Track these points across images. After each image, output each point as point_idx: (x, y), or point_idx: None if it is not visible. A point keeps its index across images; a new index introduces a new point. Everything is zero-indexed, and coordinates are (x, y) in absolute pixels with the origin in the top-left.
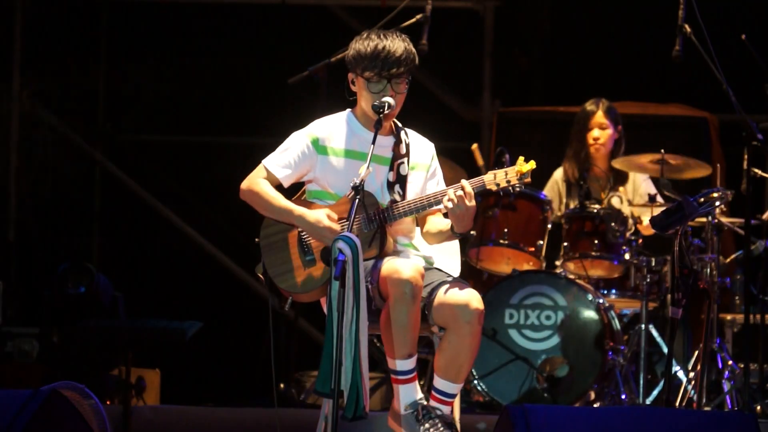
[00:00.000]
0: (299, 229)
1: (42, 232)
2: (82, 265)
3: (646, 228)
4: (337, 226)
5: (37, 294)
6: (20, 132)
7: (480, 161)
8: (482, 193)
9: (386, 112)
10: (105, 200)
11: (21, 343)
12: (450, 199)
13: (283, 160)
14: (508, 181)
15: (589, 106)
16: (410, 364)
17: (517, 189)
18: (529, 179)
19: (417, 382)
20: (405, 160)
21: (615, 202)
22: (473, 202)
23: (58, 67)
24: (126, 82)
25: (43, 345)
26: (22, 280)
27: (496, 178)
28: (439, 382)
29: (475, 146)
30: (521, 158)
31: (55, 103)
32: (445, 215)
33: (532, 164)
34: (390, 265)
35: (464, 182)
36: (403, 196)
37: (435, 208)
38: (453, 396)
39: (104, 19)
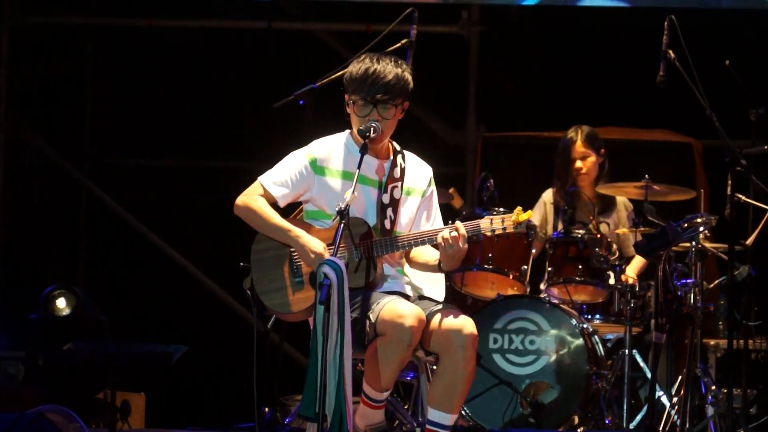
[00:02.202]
0: (291, 250)
1: (28, 255)
2: (68, 288)
3: (630, 271)
4: (326, 255)
5: (23, 317)
6: (6, 155)
7: (458, 204)
8: (468, 218)
9: (372, 136)
10: (91, 224)
11: (6, 367)
12: (444, 239)
13: (281, 178)
14: (504, 229)
15: (569, 135)
16: (385, 396)
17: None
18: (524, 229)
19: (383, 410)
20: (399, 184)
21: (603, 228)
22: (466, 245)
23: (44, 90)
24: (112, 107)
25: (29, 368)
26: (7, 303)
27: (492, 225)
28: (433, 414)
29: (452, 190)
30: (519, 208)
31: (42, 127)
32: (435, 246)
33: (529, 214)
34: (394, 309)
35: (459, 224)
36: (394, 221)
37: (424, 250)
38: (448, 428)
39: (91, 43)
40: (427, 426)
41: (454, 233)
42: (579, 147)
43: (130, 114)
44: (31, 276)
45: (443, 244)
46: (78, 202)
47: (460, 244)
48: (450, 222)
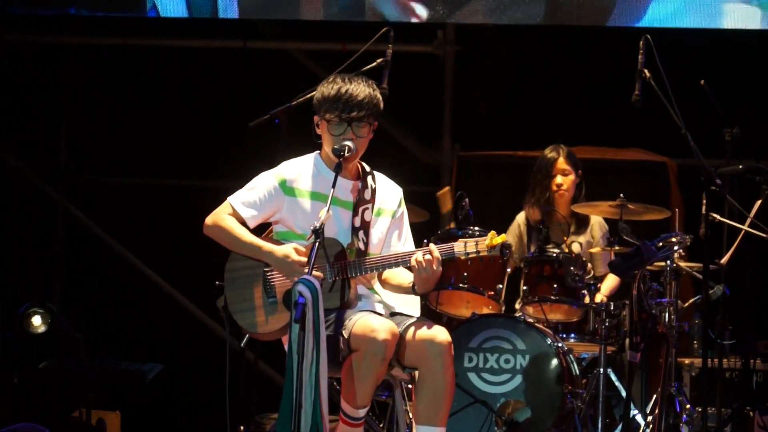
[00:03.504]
0: (265, 269)
1: (3, 273)
2: (44, 305)
3: (603, 290)
4: (305, 260)
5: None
6: None
7: (446, 208)
8: (443, 237)
9: (346, 155)
10: (67, 242)
11: None
12: (418, 262)
13: (249, 198)
14: (478, 252)
15: (550, 153)
16: (362, 412)
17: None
18: (497, 253)
19: (362, 429)
20: (370, 205)
21: (575, 247)
22: (440, 268)
23: (20, 109)
24: (88, 125)
25: (4, 386)
26: None
27: (466, 248)
28: (422, 430)
29: (447, 189)
30: (493, 232)
31: (18, 146)
32: (409, 268)
33: (503, 237)
34: (366, 323)
35: (433, 247)
36: (367, 242)
37: (398, 272)
38: None
39: (66, 62)
40: None
41: (428, 256)
42: (561, 164)
43: (106, 133)
44: (6, 294)
45: (417, 267)
46: (54, 220)
47: (434, 267)
48: (425, 243)
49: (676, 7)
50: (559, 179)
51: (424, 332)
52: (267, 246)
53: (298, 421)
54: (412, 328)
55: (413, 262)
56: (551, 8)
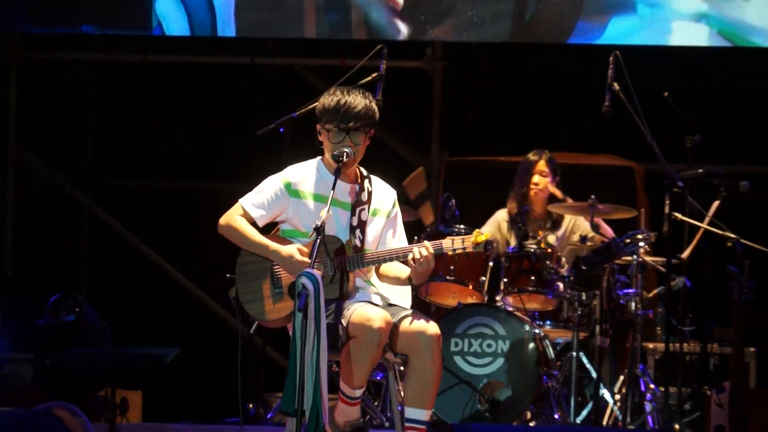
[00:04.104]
0: (272, 264)
1: (36, 269)
2: (72, 296)
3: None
4: (307, 260)
5: (32, 323)
6: (16, 179)
7: (420, 188)
8: (432, 235)
9: (345, 160)
10: (92, 239)
11: (17, 367)
12: (416, 259)
13: (258, 200)
14: (464, 248)
15: (533, 156)
16: (359, 392)
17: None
18: (481, 249)
19: (359, 406)
20: (366, 206)
21: (551, 239)
22: (434, 262)
23: (49, 120)
24: (110, 134)
25: (37, 369)
26: (18, 311)
27: (453, 244)
28: (410, 412)
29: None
30: (477, 230)
31: (47, 154)
32: (404, 262)
33: (486, 235)
34: (363, 313)
35: (427, 244)
36: (363, 240)
37: (394, 265)
38: (425, 423)
39: (90, 77)
40: (406, 424)
41: (425, 252)
42: (540, 166)
43: (126, 141)
44: (38, 287)
45: (415, 262)
46: (80, 220)
47: (430, 262)
48: (416, 239)
49: (631, 26)
50: (536, 179)
51: (416, 324)
52: (273, 245)
53: (301, 399)
54: (406, 320)
55: (410, 259)
56: (516, 27)
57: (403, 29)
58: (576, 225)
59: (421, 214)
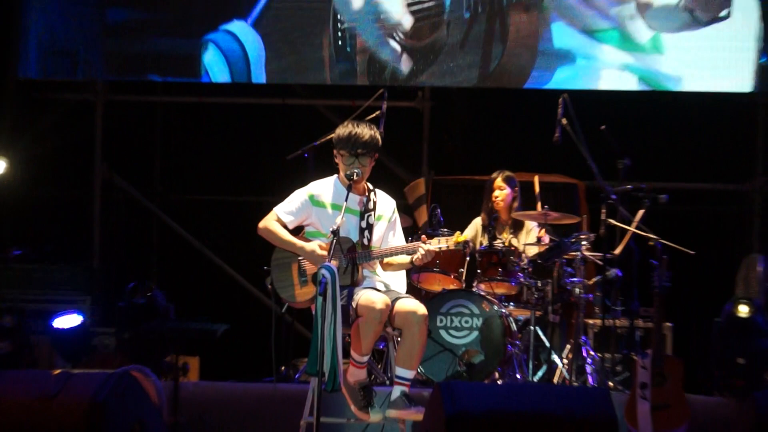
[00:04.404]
0: (299, 258)
1: (117, 263)
2: (145, 284)
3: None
4: (326, 254)
5: (114, 305)
6: (101, 193)
7: (418, 193)
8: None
9: (355, 178)
10: (160, 239)
11: (103, 339)
12: (422, 254)
13: (288, 208)
14: (447, 246)
15: (493, 175)
16: (366, 358)
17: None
18: (461, 248)
19: (366, 369)
20: (372, 213)
21: (514, 242)
22: (432, 255)
23: (126, 147)
24: (174, 159)
25: (118, 340)
26: (103, 295)
27: (439, 243)
28: (399, 371)
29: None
30: (458, 232)
31: (125, 173)
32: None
33: (465, 237)
34: (368, 297)
35: (428, 243)
36: (370, 240)
37: (399, 258)
38: (409, 380)
39: (159, 113)
40: (396, 379)
41: (429, 248)
42: (498, 182)
43: (186, 163)
44: (119, 277)
45: (421, 257)
46: (150, 224)
47: (431, 255)
48: (410, 239)
49: (572, 74)
50: (496, 193)
51: (409, 306)
52: (300, 243)
53: (322, 363)
54: (401, 302)
55: (419, 255)
56: (482, 75)
57: (404, 68)
58: (533, 229)
59: (417, 216)
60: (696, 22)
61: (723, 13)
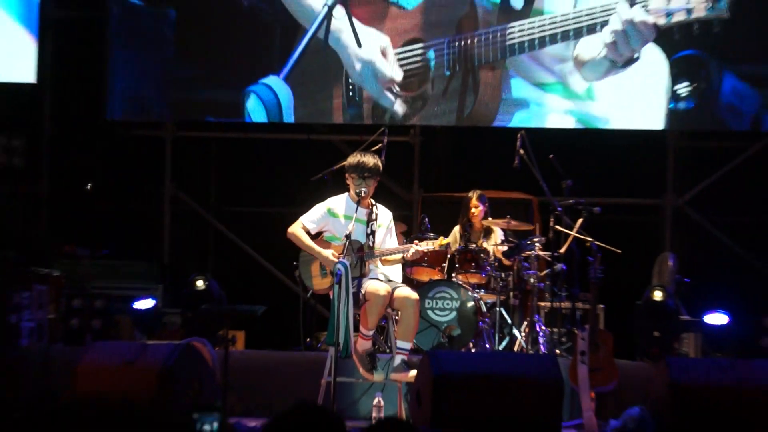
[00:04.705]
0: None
1: (182, 259)
2: (203, 275)
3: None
4: (335, 260)
5: (179, 291)
6: (170, 206)
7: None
8: (415, 239)
9: (362, 195)
10: (215, 241)
11: (171, 318)
12: (414, 252)
13: (311, 218)
14: (434, 247)
15: (470, 194)
16: (371, 332)
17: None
18: (444, 249)
19: (371, 340)
20: (375, 222)
21: (485, 244)
22: (420, 254)
23: (188, 166)
24: (227, 179)
25: (183, 318)
26: (171, 284)
27: (427, 246)
28: (399, 343)
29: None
30: (441, 237)
31: (187, 188)
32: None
33: (446, 241)
34: (374, 286)
35: (418, 245)
36: (373, 242)
37: (395, 255)
38: (407, 349)
39: (214, 145)
40: (397, 350)
41: (420, 248)
42: (473, 201)
43: (235, 183)
44: (183, 270)
45: (413, 255)
46: (207, 229)
47: (420, 254)
48: (405, 241)
49: (527, 117)
50: (472, 209)
51: (404, 293)
52: (317, 248)
53: (338, 335)
54: (399, 289)
55: (413, 252)
56: (459, 117)
57: (400, 112)
58: (497, 235)
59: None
60: (615, 67)
61: (636, 56)
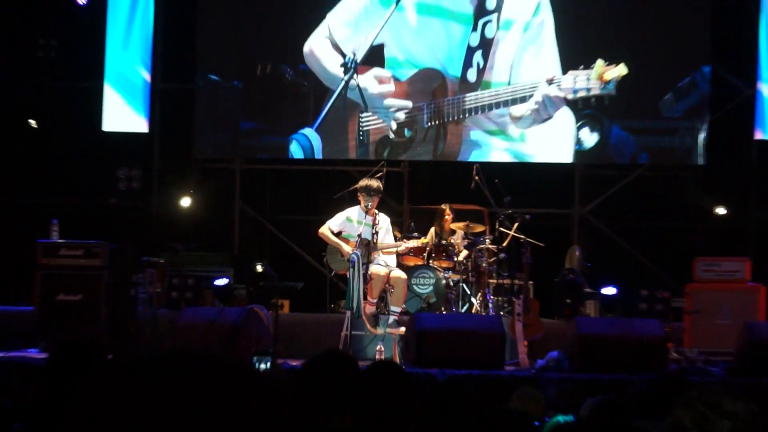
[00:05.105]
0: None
1: (246, 253)
2: (261, 263)
3: (461, 248)
4: (351, 251)
5: (245, 274)
6: (239, 216)
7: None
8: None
9: (369, 208)
10: (270, 239)
11: (239, 291)
12: (404, 248)
13: (335, 222)
14: (418, 244)
15: (443, 206)
16: (375, 300)
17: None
18: (424, 245)
19: (375, 306)
20: (377, 226)
21: (452, 240)
22: (408, 248)
23: (252, 190)
24: (277, 196)
25: (247, 292)
26: (240, 268)
27: (414, 243)
28: (393, 308)
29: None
30: (423, 237)
31: (251, 204)
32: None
33: (426, 240)
34: (377, 269)
35: (407, 242)
36: (376, 240)
37: (391, 249)
38: (398, 312)
39: (268, 173)
40: (391, 312)
41: (408, 245)
42: (447, 212)
43: (282, 198)
44: (247, 259)
45: (404, 249)
46: (264, 231)
47: (407, 248)
48: (398, 237)
49: (480, 154)
50: (445, 217)
51: (397, 273)
52: (340, 243)
53: (352, 302)
54: (394, 272)
55: (403, 248)
56: (434, 154)
57: (394, 151)
58: (460, 234)
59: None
60: (537, 122)
61: (551, 116)
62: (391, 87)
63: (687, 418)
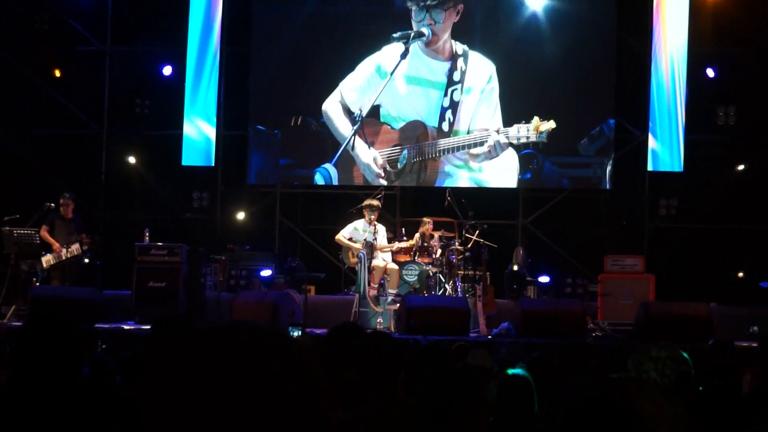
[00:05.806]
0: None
1: (286, 250)
2: (293, 258)
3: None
4: (360, 250)
5: (283, 267)
6: (279, 225)
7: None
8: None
9: (371, 220)
10: (302, 243)
11: (279, 279)
12: (396, 248)
13: (347, 230)
14: (407, 245)
15: (425, 219)
16: (376, 286)
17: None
18: (412, 246)
19: (376, 290)
20: (377, 233)
21: (431, 243)
22: (400, 249)
23: (289, 206)
24: (306, 212)
25: (285, 280)
26: (279, 263)
27: (405, 244)
28: (389, 291)
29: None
30: (411, 240)
31: (286, 215)
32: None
33: (412, 243)
34: (378, 263)
35: (399, 244)
36: (375, 242)
37: (387, 250)
38: (393, 294)
39: (300, 195)
40: (388, 294)
41: (399, 246)
42: (428, 223)
43: (309, 214)
44: (285, 257)
45: (396, 249)
46: (296, 238)
47: (399, 248)
48: (390, 242)
49: (450, 180)
50: (426, 226)
51: (392, 266)
52: (351, 244)
53: (360, 287)
54: (389, 265)
55: (396, 248)
56: (417, 182)
57: (388, 180)
58: (437, 238)
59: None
60: (490, 159)
61: (500, 155)
62: (384, 133)
63: (629, 364)
